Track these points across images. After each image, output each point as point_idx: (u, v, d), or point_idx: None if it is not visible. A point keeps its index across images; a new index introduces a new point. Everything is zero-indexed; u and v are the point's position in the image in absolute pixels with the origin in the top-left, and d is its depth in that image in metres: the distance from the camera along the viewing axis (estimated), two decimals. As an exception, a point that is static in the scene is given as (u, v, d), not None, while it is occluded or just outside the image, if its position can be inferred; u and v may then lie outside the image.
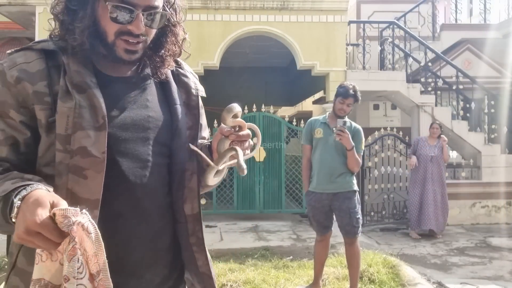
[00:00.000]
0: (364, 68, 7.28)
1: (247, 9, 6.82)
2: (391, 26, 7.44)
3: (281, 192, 6.89)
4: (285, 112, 15.06)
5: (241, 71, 10.33)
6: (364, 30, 7.41)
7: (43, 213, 0.73)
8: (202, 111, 1.16)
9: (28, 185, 0.81)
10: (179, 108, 1.07)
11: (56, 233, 0.73)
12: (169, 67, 1.08)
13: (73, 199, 0.86)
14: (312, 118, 3.71)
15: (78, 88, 0.92)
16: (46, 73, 0.93)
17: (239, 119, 1.04)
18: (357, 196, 3.47)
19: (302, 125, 11.79)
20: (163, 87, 1.09)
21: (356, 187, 3.46)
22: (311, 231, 6.01)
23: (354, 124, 3.48)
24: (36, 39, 6.72)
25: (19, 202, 0.76)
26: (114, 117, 0.96)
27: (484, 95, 7.46)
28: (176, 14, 1.06)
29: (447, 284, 4.02)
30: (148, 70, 1.06)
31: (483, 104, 7.59)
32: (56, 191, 0.85)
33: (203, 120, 1.18)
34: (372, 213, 6.69)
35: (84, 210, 0.76)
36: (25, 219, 0.73)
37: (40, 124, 0.92)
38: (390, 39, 7.42)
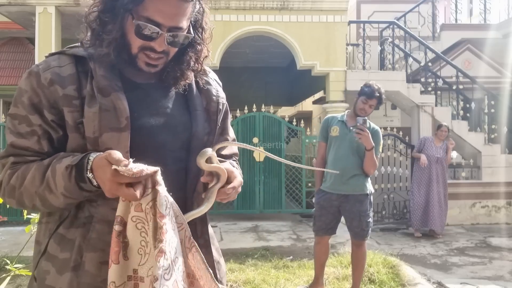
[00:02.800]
0: (364, 68, 7.28)
1: (247, 9, 6.83)
2: (391, 26, 7.44)
3: (281, 192, 6.90)
4: (285, 112, 15.06)
5: (241, 71, 10.34)
6: (364, 30, 7.41)
7: (108, 169, 0.85)
8: (226, 115, 1.22)
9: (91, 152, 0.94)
10: (199, 114, 1.11)
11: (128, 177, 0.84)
12: (187, 80, 1.12)
13: (103, 195, 0.93)
14: (329, 115, 3.57)
15: (103, 91, 0.98)
16: (76, 78, 1.00)
17: (214, 165, 1.04)
18: (370, 199, 3.32)
19: (302, 125, 11.82)
20: (185, 93, 1.13)
21: (369, 190, 3.30)
22: (311, 231, 5.98)
23: (373, 124, 3.33)
24: (36, 39, 6.76)
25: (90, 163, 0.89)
26: (135, 122, 1.01)
27: (484, 95, 7.45)
28: (202, 33, 1.11)
29: (447, 284, 4.02)
30: (170, 78, 1.11)
31: (483, 104, 7.58)
32: None
33: (227, 123, 1.24)
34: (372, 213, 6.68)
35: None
36: (105, 172, 0.85)
37: (68, 125, 0.99)
38: (390, 39, 7.42)
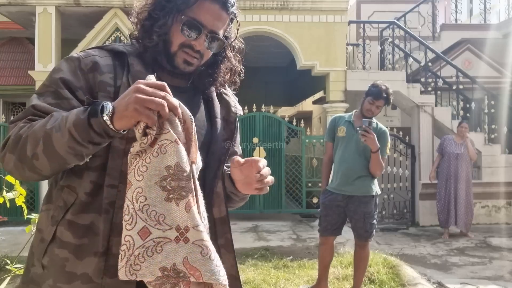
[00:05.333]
0: (364, 68, 7.28)
1: (247, 9, 6.83)
2: (391, 26, 7.45)
3: (281, 192, 6.89)
4: (285, 112, 15.09)
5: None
6: (364, 30, 7.42)
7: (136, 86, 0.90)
8: (238, 128, 1.31)
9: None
10: (219, 121, 1.23)
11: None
12: (216, 89, 1.26)
13: (126, 180, 0.95)
14: (337, 115, 3.54)
15: None
16: (112, 68, 1.09)
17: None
18: (375, 201, 3.30)
19: (302, 125, 11.82)
20: (207, 103, 1.25)
21: (374, 192, 3.28)
22: (311, 231, 6.01)
23: (380, 125, 3.29)
24: (36, 39, 6.76)
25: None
26: None
27: (484, 95, 7.45)
28: (233, 50, 1.28)
29: (447, 284, 4.02)
30: (201, 84, 1.23)
31: (483, 104, 7.59)
32: (110, 171, 1.02)
33: (237, 137, 1.33)
34: (372, 213, 6.68)
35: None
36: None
37: None
38: (390, 39, 7.42)
